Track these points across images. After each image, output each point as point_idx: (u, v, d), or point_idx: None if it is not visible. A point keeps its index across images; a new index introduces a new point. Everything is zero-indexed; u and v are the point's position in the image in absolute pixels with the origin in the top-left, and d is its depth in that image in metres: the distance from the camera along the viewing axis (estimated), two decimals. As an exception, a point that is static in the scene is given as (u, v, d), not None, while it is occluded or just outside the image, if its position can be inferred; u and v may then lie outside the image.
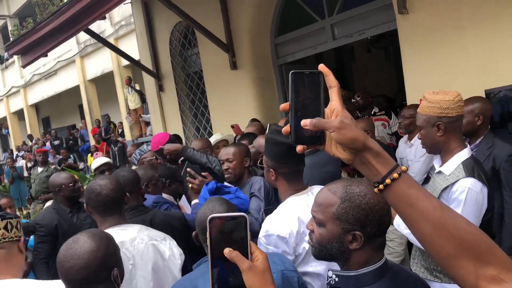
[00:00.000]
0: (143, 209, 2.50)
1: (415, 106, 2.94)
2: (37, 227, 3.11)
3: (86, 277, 1.40)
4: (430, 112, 2.01)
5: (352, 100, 4.84)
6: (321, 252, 1.19)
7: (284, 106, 0.90)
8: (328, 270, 1.20)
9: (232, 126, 4.64)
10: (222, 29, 5.57)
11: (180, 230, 2.53)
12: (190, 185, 2.73)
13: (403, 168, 0.86)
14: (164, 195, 3.03)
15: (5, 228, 1.67)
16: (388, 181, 0.84)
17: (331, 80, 0.88)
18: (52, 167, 7.94)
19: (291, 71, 0.91)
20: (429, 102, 2.01)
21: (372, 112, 4.87)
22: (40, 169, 7.93)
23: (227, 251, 0.96)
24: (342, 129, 0.84)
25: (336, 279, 1.16)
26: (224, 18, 5.54)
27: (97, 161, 4.60)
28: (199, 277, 1.54)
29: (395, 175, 0.84)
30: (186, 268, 2.21)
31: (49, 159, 11.64)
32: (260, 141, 3.00)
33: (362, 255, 1.14)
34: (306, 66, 6.50)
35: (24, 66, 6.50)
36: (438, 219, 0.81)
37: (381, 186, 0.85)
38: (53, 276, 2.67)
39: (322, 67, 0.89)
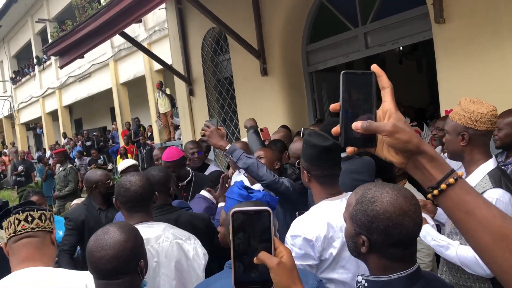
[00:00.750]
0: (169, 208, 2.51)
1: (450, 118, 2.88)
2: (66, 220, 3.21)
3: (115, 267, 1.43)
4: (459, 120, 1.95)
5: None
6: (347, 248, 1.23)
7: (335, 106, 0.87)
8: (358, 275, 1.18)
9: (261, 130, 4.64)
10: (254, 35, 5.60)
11: (204, 231, 2.52)
12: (201, 132, 2.74)
13: (460, 173, 0.82)
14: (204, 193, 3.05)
15: (39, 218, 1.73)
16: (443, 186, 0.80)
17: (384, 81, 0.85)
18: (69, 166, 8.13)
19: (342, 71, 0.89)
20: (462, 110, 1.96)
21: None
22: (61, 169, 8.17)
23: (255, 260, 0.93)
24: (395, 133, 0.80)
25: (366, 284, 1.14)
26: (257, 24, 5.57)
27: (124, 163, 4.68)
28: (217, 280, 1.52)
29: (451, 180, 0.80)
30: (209, 270, 2.20)
31: (75, 159, 11.97)
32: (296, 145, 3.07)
33: (377, 261, 1.13)
34: (336, 75, 6.45)
35: (61, 67, 6.72)
36: (498, 228, 0.76)
37: (435, 192, 0.81)
38: (74, 267, 2.73)
39: (375, 67, 0.86)
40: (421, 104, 7.63)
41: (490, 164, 1.96)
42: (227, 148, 2.58)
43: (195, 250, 2.18)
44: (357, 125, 0.83)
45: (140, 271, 1.49)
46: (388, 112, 0.83)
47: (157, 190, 2.35)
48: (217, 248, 2.33)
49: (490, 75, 3.53)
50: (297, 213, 2.23)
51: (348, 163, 2.47)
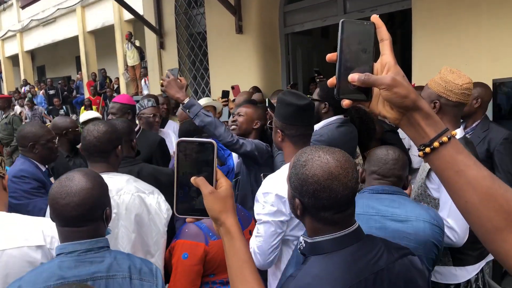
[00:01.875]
0: (132, 160, 2.46)
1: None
2: None
3: (80, 214, 1.39)
4: (434, 88, 1.95)
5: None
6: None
7: (331, 56, 0.83)
8: (300, 235, 1.20)
9: (233, 88, 4.55)
10: (231, -11, 5.40)
11: (168, 186, 2.47)
12: (160, 82, 2.62)
13: (453, 132, 0.81)
14: None
15: None
16: (436, 144, 0.79)
17: (383, 33, 0.82)
18: (11, 113, 7.75)
19: (342, 20, 0.84)
20: (439, 78, 1.96)
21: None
22: (3, 116, 7.79)
23: (192, 179, 0.97)
24: (394, 87, 0.78)
25: (304, 245, 1.16)
26: (235, -22, 5.36)
27: (86, 114, 4.55)
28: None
29: (445, 138, 0.79)
30: (172, 226, 2.18)
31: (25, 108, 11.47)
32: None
33: (311, 224, 1.15)
34: (312, 38, 6.36)
35: (23, 7, 6.30)
36: (487, 188, 0.76)
37: (427, 150, 0.80)
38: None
39: (375, 18, 0.82)
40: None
41: (456, 134, 1.98)
42: (184, 101, 2.42)
43: (158, 205, 2.14)
44: (354, 77, 0.80)
45: (105, 219, 1.47)
46: (387, 65, 0.81)
47: (120, 141, 2.28)
48: None
49: (464, 49, 3.56)
50: (261, 174, 2.21)
51: (319, 140, 2.42)
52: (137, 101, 3.59)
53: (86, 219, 1.41)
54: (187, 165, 0.99)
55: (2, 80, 19.07)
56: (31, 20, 15.70)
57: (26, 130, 2.65)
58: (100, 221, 1.46)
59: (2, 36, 18.10)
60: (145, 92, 10.40)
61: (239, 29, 5.46)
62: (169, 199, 2.28)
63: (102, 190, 1.48)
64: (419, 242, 1.54)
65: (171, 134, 3.92)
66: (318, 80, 4.54)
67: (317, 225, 1.14)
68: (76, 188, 1.41)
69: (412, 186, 2.13)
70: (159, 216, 2.12)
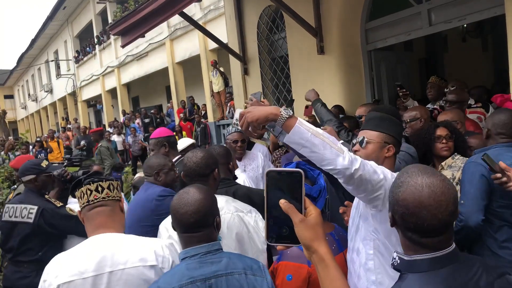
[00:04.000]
0: (228, 182, 2.64)
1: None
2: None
3: (196, 221, 1.65)
4: None
5: (446, 90, 4.56)
6: None
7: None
8: (394, 252, 1.22)
9: (307, 107, 4.58)
10: (311, 12, 5.52)
11: (260, 205, 2.59)
12: (244, 105, 2.68)
13: None
14: None
15: (108, 188, 1.86)
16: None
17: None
18: (99, 145, 8.50)
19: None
20: None
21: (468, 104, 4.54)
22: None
23: (282, 201, 1.01)
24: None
25: (398, 261, 1.18)
26: (314, 1, 5.48)
27: (183, 141, 4.76)
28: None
29: None
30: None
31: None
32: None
33: (401, 238, 1.18)
34: (395, 54, 6.25)
35: (123, 46, 6.97)
36: None
37: None
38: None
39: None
40: (486, 84, 7.24)
41: None
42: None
43: (255, 223, 2.25)
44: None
45: (216, 226, 1.71)
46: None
47: (220, 163, 2.45)
48: None
49: None
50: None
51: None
52: (226, 125, 3.81)
53: (201, 225, 1.66)
54: (276, 195, 1.02)
55: (103, 112, 21.00)
56: (127, 56, 17.20)
57: (151, 161, 2.99)
58: (212, 227, 1.70)
59: (103, 72, 20.02)
60: (229, 116, 10.84)
61: (321, 50, 5.55)
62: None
63: (212, 200, 1.73)
64: None
65: (259, 156, 4.01)
66: (401, 94, 4.42)
67: (407, 242, 1.16)
68: (192, 199, 1.67)
69: None
70: (258, 234, 2.24)
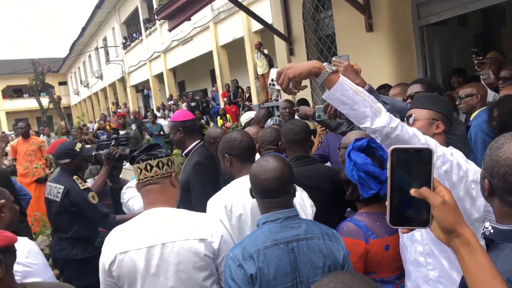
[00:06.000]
0: (308, 160, 2.66)
1: None
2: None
3: (277, 187, 1.73)
4: None
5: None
6: None
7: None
8: (486, 221, 1.19)
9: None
10: (359, -12, 5.33)
11: (341, 183, 2.59)
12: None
13: None
14: None
15: (157, 166, 1.90)
16: None
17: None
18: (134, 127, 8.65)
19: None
20: None
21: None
22: (121, 132, 8.64)
23: (413, 191, 0.93)
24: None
25: (491, 231, 1.14)
26: (363, -23, 5.29)
27: (246, 115, 5.32)
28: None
29: None
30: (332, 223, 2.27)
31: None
32: None
33: (499, 208, 1.13)
34: (449, 29, 5.94)
35: (170, 30, 7.08)
36: None
37: None
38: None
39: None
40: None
41: None
42: (365, 87, 2.15)
43: (302, 201, 2.26)
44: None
45: (292, 193, 1.80)
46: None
47: (296, 141, 2.62)
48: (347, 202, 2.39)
49: None
50: None
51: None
52: (270, 107, 3.83)
53: (280, 191, 1.74)
54: (401, 174, 0.94)
55: (151, 96, 21.57)
56: (172, 40, 17.49)
57: (208, 131, 3.57)
58: (289, 194, 1.79)
59: (150, 57, 20.49)
60: (274, 98, 10.80)
61: (369, 27, 5.36)
62: (338, 197, 2.39)
63: (289, 168, 1.81)
64: None
65: None
66: (476, 61, 4.11)
67: (505, 209, 1.12)
68: (272, 166, 1.75)
69: None
70: (305, 212, 2.24)
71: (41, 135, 13.68)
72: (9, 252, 1.69)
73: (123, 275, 1.75)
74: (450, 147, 1.86)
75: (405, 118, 2.01)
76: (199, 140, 3.10)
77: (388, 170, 0.95)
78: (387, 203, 0.96)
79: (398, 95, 3.04)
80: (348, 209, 2.52)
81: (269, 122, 4.27)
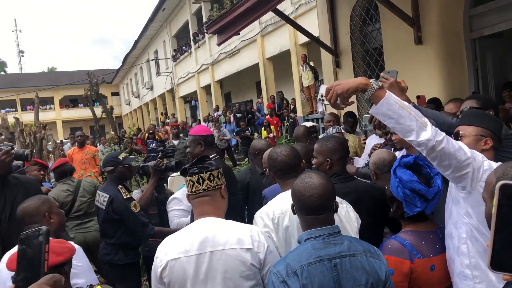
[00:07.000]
0: (348, 177, 2.58)
1: None
2: None
3: (322, 204, 1.76)
4: None
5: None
6: None
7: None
8: None
9: (418, 97, 4.36)
10: (408, 1, 5.27)
11: (382, 199, 2.54)
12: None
13: None
14: None
15: (208, 179, 1.98)
16: None
17: None
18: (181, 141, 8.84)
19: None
20: None
21: None
22: (175, 142, 8.81)
23: None
24: None
25: None
26: (412, -11, 5.23)
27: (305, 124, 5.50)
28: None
29: None
30: (377, 240, 2.26)
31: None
32: None
33: None
34: (504, 40, 5.73)
35: (219, 44, 7.27)
36: None
37: None
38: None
39: None
40: None
41: None
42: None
43: (347, 214, 2.26)
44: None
45: (335, 209, 1.82)
46: None
47: (335, 157, 2.52)
48: (391, 219, 2.33)
49: None
50: None
51: None
52: (313, 120, 3.84)
53: (325, 207, 1.77)
54: (511, 215, 0.84)
55: (198, 107, 22.10)
56: (220, 53, 17.89)
57: (253, 143, 3.72)
58: (332, 210, 1.81)
59: (198, 69, 21.06)
60: (320, 111, 10.78)
61: (418, 40, 5.28)
62: (380, 213, 2.37)
63: (332, 185, 1.83)
64: None
65: None
66: None
67: None
68: (317, 183, 1.77)
69: None
70: (350, 224, 2.24)
71: (98, 144, 14.35)
72: (70, 262, 1.87)
73: (173, 280, 1.84)
74: (499, 162, 1.83)
75: (453, 135, 1.99)
76: (215, 154, 3.21)
77: (494, 208, 0.85)
78: (489, 243, 0.86)
79: (453, 110, 3.00)
80: (385, 230, 2.48)
81: (331, 130, 4.32)
